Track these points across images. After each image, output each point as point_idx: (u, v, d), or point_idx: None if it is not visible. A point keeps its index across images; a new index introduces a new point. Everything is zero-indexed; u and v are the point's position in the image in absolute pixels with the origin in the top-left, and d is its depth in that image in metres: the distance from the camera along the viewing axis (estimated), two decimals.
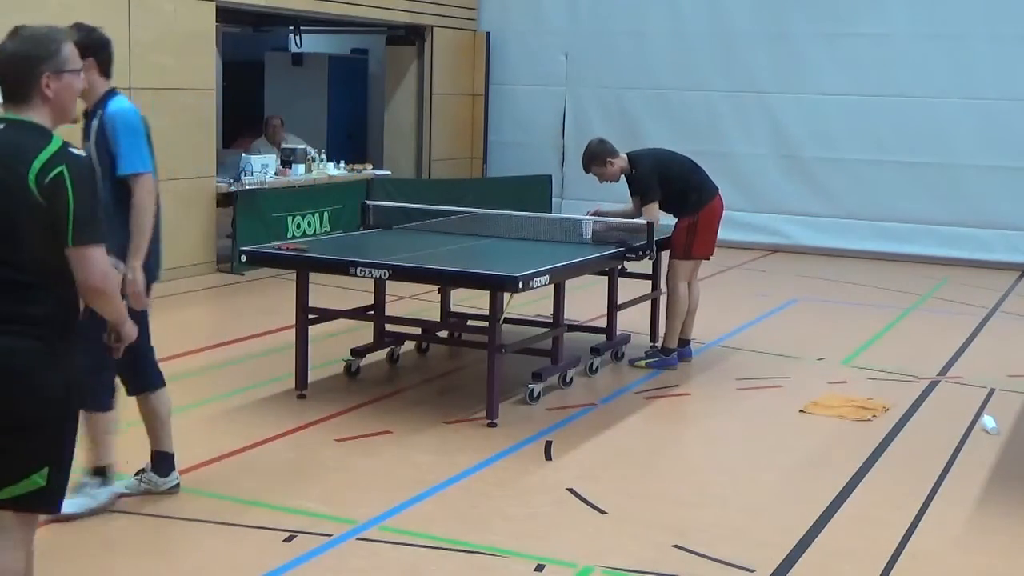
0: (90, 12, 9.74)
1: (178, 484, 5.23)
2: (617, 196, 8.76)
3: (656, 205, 7.74)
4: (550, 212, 13.78)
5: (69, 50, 3.43)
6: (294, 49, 15.68)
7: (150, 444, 5.22)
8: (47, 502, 3.40)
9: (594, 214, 8.18)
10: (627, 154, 7.89)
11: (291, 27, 15.11)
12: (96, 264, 3.27)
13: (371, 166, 13.47)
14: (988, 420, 6.69)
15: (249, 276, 10.86)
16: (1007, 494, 5.64)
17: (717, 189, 7.97)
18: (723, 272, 11.70)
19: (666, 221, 7.96)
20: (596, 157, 7.82)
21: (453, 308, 8.32)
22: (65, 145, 3.30)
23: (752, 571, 4.60)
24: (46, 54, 3.37)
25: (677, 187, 7.82)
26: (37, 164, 3.22)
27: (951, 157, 13.21)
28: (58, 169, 3.22)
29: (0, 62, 3.38)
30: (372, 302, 7.71)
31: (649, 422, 6.82)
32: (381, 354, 7.76)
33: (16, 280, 3.25)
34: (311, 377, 7.01)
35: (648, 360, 7.90)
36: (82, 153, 3.35)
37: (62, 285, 3.29)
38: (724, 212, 8.10)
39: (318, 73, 16.27)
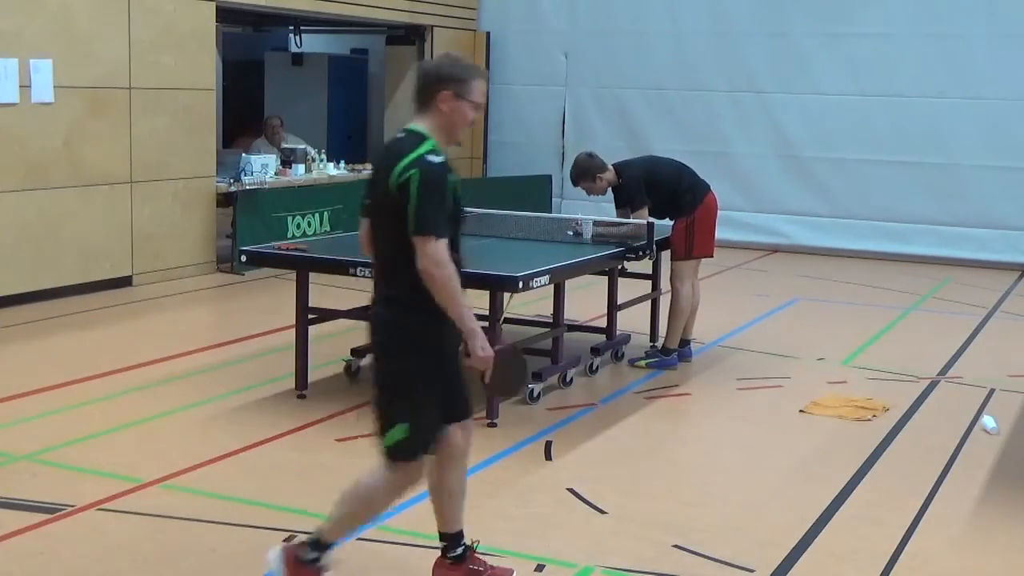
0: (90, 12, 9.78)
1: None
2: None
3: (645, 211, 7.73)
4: (550, 212, 13.78)
5: (477, 85, 4.02)
6: (294, 49, 15.68)
7: None
8: (407, 452, 4.01)
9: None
10: (613, 165, 7.90)
11: (291, 27, 15.12)
12: (427, 252, 3.80)
13: (371, 166, 13.44)
14: (988, 420, 6.69)
15: (249, 276, 10.86)
16: (1007, 494, 5.64)
17: (709, 186, 7.97)
18: (723, 272, 11.70)
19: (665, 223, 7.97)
20: (586, 172, 7.83)
21: None
22: (426, 153, 3.88)
23: (752, 571, 4.60)
24: (454, 77, 3.98)
25: (669, 190, 7.82)
26: (399, 167, 3.85)
27: (951, 157, 13.21)
28: (409, 173, 3.83)
29: (420, 72, 4.06)
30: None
31: (649, 422, 6.81)
32: None
33: (386, 261, 4.00)
34: (311, 377, 7.01)
35: (648, 360, 7.90)
36: (436, 160, 3.87)
37: (415, 266, 3.84)
38: (720, 210, 8.11)
39: (318, 73, 16.27)
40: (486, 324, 3.95)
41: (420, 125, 4.01)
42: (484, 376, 3.99)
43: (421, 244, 3.81)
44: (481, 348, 3.91)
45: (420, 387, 3.99)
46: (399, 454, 4.01)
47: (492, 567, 4.38)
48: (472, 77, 4.01)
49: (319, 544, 4.13)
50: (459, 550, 4.33)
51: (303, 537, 4.26)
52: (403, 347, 3.98)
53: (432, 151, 3.91)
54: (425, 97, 4.01)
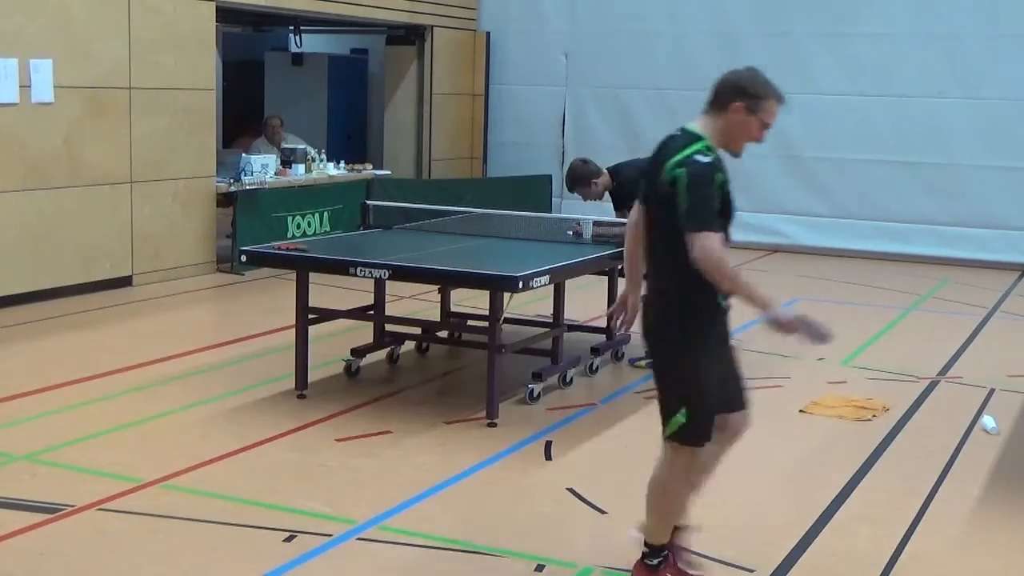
0: (90, 12, 9.78)
1: None
2: None
3: None
4: (550, 212, 13.78)
5: (770, 106, 4.15)
6: (294, 49, 15.69)
7: None
8: (691, 437, 4.19)
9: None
10: (608, 169, 7.91)
11: (291, 27, 15.12)
12: (700, 244, 3.97)
13: (371, 166, 13.47)
14: (988, 420, 6.69)
15: (249, 276, 10.86)
16: (1007, 494, 5.64)
17: None
18: None
19: None
20: (581, 179, 7.85)
21: (453, 308, 8.32)
22: (694, 152, 4.05)
23: (752, 571, 4.60)
24: (752, 92, 4.13)
25: None
26: (669, 165, 4.06)
27: (951, 157, 13.20)
28: (676, 172, 4.03)
29: (722, 77, 4.19)
30: (372, 302, 7.72)
31: (649, 422, 6.77)
32: (381, 354, 7.76)
33: (656, 251, 4.22)
34: (311, 377, 7.01)
35: (648, 360, 7.88)
36: (703, 159, 4.03)
37: (683, 259, 4.02)
38: None
39: (318, 73, 16.27)
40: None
41: (699, 126, 4.18)
42: (795, 334, 4.16)
43: (693, 237, 3.98)
44: (780, 315, 4.07)
45: (697, 374, 4.16)
46: (682, 438, 4.19)
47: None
48: (768, 97, 4.15)
49: (656, 548, 4.33)
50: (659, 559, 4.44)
51: (643, 550, 4.36)
52: (676, 337, 4.17)
53: (701, 151, 4.06)
54: (718, 102, 4.16)
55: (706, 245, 3.98)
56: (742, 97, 4.13)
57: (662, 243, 4.19)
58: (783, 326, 4.10)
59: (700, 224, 3.99)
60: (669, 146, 4.17)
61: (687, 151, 4.07)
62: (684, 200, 4.01)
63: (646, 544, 4.34)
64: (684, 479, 4.29)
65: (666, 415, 4.22)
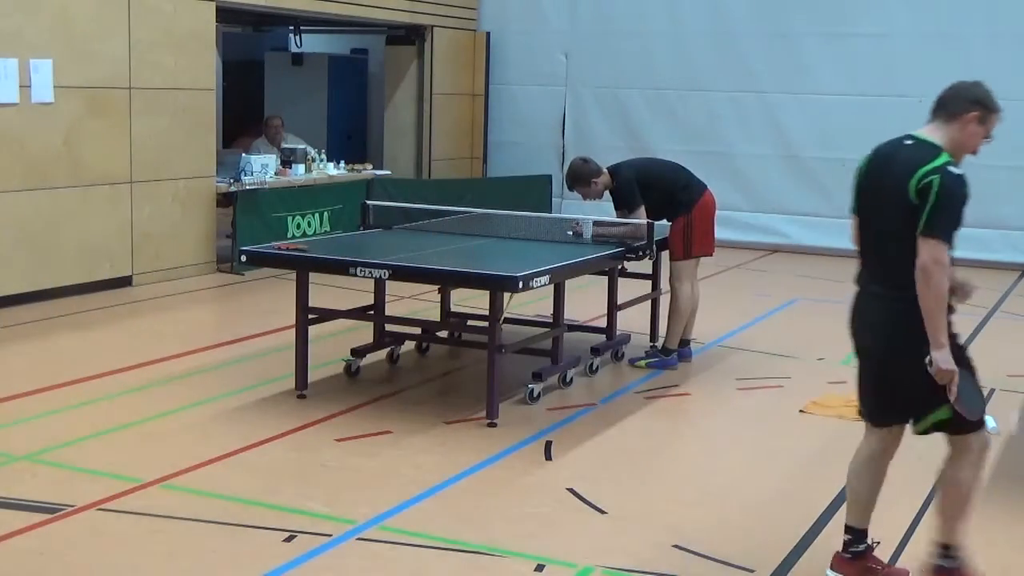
0: (90, 12, 9.78)
1: None
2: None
3: (643, 210, 7.74)
4: (550, 212, 13.78)
5: (995, 119, 4.32)
6: (294, 49, 15.69)
7: None
8: (957, 428, 4.27)
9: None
10: (608, 168, 7.91)
11: (291, 27, 15.12)
12: (931, 252, 4.02)
13: (371, 166, 13.47)
14: (988, 420, 6.66)
15: (249, 276, 10.86)
16: (1007, 494, 5.64)
17: (705, 185, 7.97)
18: (723, 272, 11.70)
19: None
20: (581, 178, 7.84)
21: (453, 308, 8.33)
22: (946, 163, 4.09)
23: (752, 571, 4.60)
24: (986, 104, 4.31)
25: (664, 190, 7.82)
26: (919, 173, 4.09)
27: None
28: (931, 178, 4.05)
29: (950, 88, 4.39)
30: (372, 302, 7.72)
31: (649, 422, 6.81)
32: (381, 354, 7.77)
33: (891, 262, 4.24)
34: (311, 377, 7.01)
35: (648, 360, 7.90)
36: (957, 171, 4.08)
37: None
38: (720, 210, 8.13)
39: (318, 73, 16.27)
40: None
41: (931, 136, 4.25)
42: (947, 389, 4.15)
43: (926, 244, 4.03)
44: (945, 361, 4.07)
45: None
46: (956, 428, 4.24)
47: (889, 567, 4.51)
48: (996, 111, 4.30)
49: (950, 548, 4.33)
50: (861, 547, 4.49)
51: (932, 550, 4.38)
52: (916, 344, 4.14)
53: (950, 163, 4.10)
54: (952, 110, 4.27)
55: (937, 256, 4.01)
56: (977, 107, 4.24)
57: (900, 253, 4.16)
58: (940, 372, 4.10)
59: (938, 233, 4.03)
60: (904, 155, 4.20)
61: (938, 161, 4.09)
62: (931, 205, 4.02)
63: (944, 548, 4.32)
64: (978, 466, 4.32)
65: (922, 413, 4.26)
